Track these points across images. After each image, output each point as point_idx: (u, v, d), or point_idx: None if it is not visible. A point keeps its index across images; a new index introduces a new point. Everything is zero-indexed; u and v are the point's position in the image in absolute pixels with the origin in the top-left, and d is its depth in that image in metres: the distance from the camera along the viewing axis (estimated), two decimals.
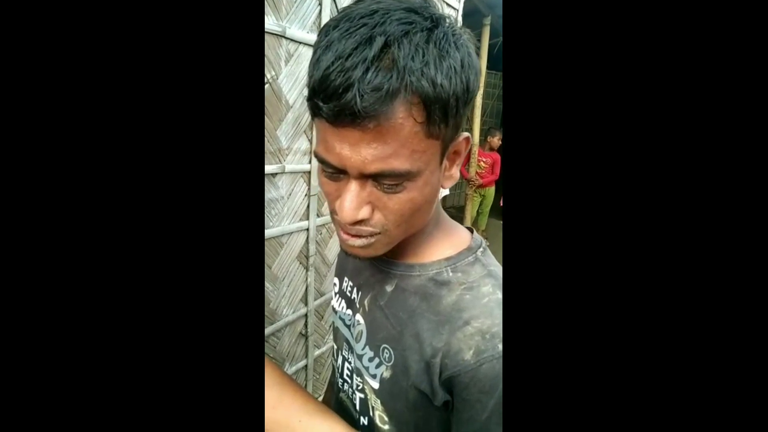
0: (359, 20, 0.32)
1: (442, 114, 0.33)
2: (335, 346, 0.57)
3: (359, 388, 0.49)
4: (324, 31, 0.33)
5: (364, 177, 0.35)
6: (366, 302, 0.48)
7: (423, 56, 0.31)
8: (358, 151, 0.33)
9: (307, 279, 1.40)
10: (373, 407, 0.46)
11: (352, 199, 0.36)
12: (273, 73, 1.06)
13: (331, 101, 0.31)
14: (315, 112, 0.34)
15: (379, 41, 0.30)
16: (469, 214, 3.88)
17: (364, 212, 0.37)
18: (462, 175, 3.50)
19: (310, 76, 0.33)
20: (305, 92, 0.34)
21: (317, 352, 1.58)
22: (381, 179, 0.35)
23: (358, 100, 0.30)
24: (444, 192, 0.44)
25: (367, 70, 0.30)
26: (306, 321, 1.46)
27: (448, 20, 0.35)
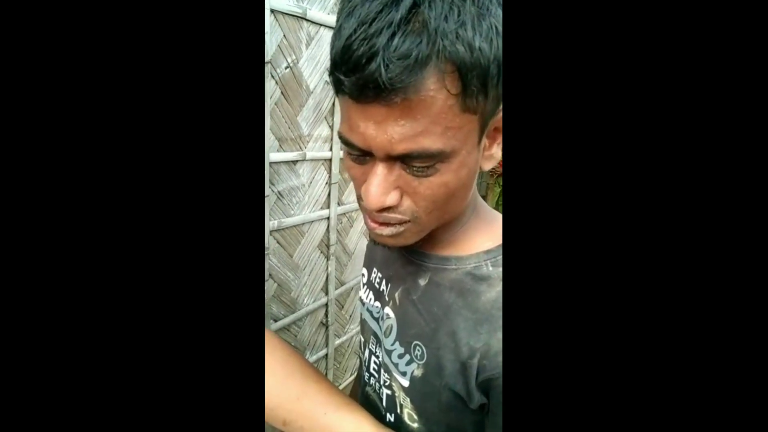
0: None
1: (480, 84, 0.29)
2: (362, 339, 0.54)
3: (386, 384, 0.46)
4: None
5: (391, 159, 0.31)
6: (396, 295, 0.46)
7: (458, 15, 0.27)
8: (385, 130, 0.29)
9: (327, 268, 1.39)
10: (401, 405, 0.44)
11: (379, 184, 0.32)
12: (294, 57, 1.03)
13: (354, 74, 0.28)
14: (337, 87, 0.30)
15: (407, 1, 0.26)
16: (491, 204, 3.81)
17: (392, 198, 0.33)
18: None
19: (332, 47, 0.29)
20: (326, 77, 0.31)
21: (338, 342, 1.58)
22: (410, 161, 0.31)
23: (383, 70, 0.26)
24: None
25: (393, 35, 0.26)
26: (327, 310, 1.45)
27: None
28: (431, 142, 0.30)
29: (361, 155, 0.33)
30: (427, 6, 0.27)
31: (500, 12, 0.29)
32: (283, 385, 0.39)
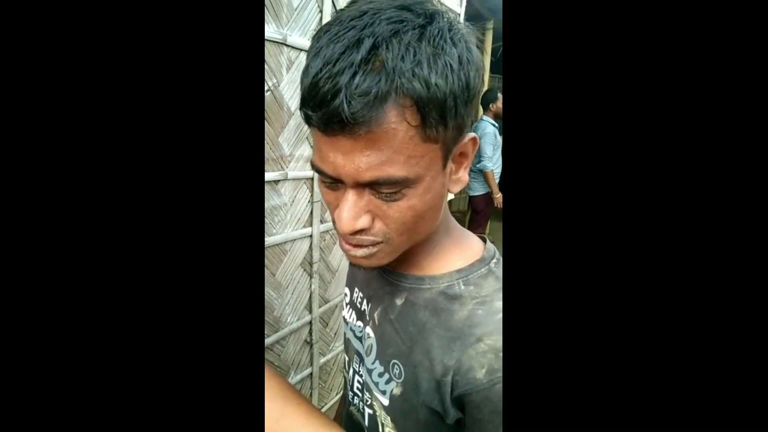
0: (348, 23, 0.30)
1: (439, 115, 0.31)
2: (346, 358, 0.56)
3: (368, 403, 0.48)
4: (315, 38, 0.32)
5: (360, 185, 0.34)
6: (376, 315, 0.47)
7: (414, 55, 0.30)
8: (352, 160, 0.32)
9: (311, 286, 1.39)
10: (382, 424, 0.45)
11: (350, 209, 0.34)
12: (274, 80, 1.05)
13: (320, 109, 0.30)
14: (307, 120, 0.33)
15: (367, 43, 0.29)
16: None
17: (363, 222, 0.35)
18: None
19: (302, 84, 0.32)
20: (299, 101, 0.34)
21: (322, 360, 1.56)
22: (378, 187, 0.33)
23: (345, 106, 0.29)
24: (449, 196, 0.43)
25: (355, 74, 0.29)
26: (311, 328, 1.44)
27: (445, 15, 0.33)
28: (395, 170, 0.32)
29: (333, 182, 0.36)
30: (385, 48, 0.29)
31: (455, 51, 0.32)
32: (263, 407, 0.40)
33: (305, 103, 0.31)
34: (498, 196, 2.92)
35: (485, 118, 2.89)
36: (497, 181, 2.93)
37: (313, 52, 0.31)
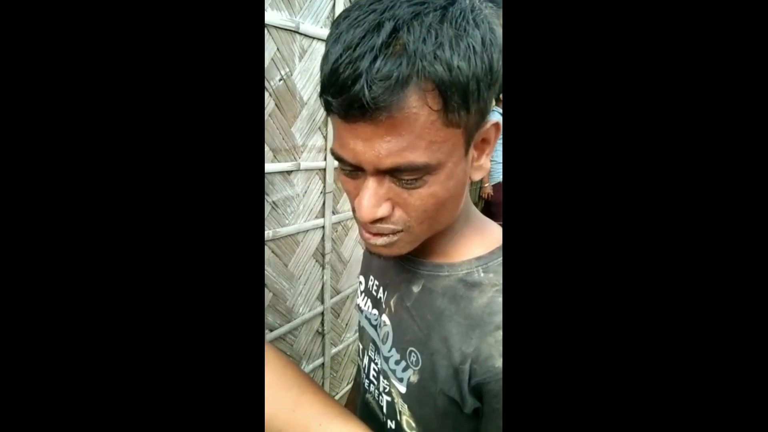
0: (368, 7, 0.30)
1: (461, 99, 0.31)
2: (360, 346, 0.55)
3: (386, 390, 0.47)
4: (335, 24, 0.32)
5: (380, 173, 0.33)
6: (392, 303, 0.47)
7: (436, 38, 0.29)
8: (372, 146, 0.31)
9: (323, 277, 1.39)
10: (400, 411, 0.45)
11: (370, 197, 0.34)
12: (287, 69, 1.05)
13: (341, 95, 0.30)
14: (327, 107, 0.32)
15: (387, 27, 0.28)
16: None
17: (383, 210, 0.35)
18: None
19: (321, 71, 0.31)
20: (319, 88, 0.33)
21: (334, 350, 1.57)
22: (399, 174, 0.33)
23: (366, 91, 0.28)
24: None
25: (376, 58, 0.28)
26: (323, 319, 1.45)
27: None
28: (417, 156, 0.31)
29: (353, 170, 0.35)
30: (406, 31, 0.29)
31: (478, 33, 0.31)
32: (279, 396, 0.40)
33: (325, 90, 0.31)
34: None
35: (496, 108, 2.85)
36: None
37: (333, 38, 0.30)
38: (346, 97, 0.29)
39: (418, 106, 0.30)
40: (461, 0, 0.31)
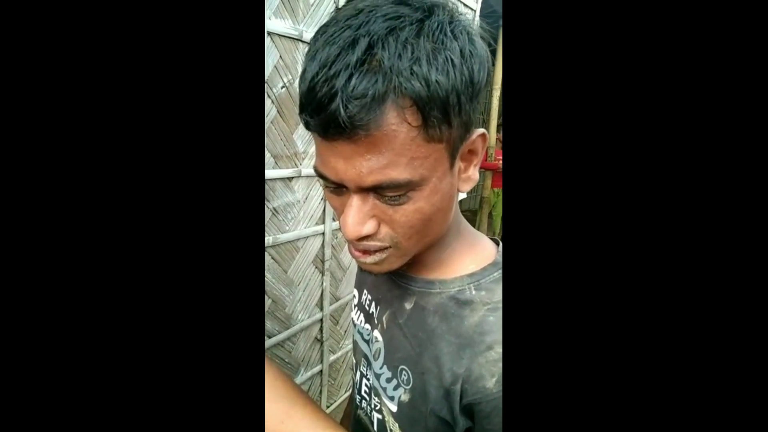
0: (344, 23, 0.29)
1: (441, 114, 0.30)
2: (354, 360, 0.55)
3: (377, 408, 0.47)
4: (313, 40, 0.31)
5: (364, 190, 0.32)
6: (384, 318, 0.46)
7: (412, 53, 0.28)
8: (353, 164, 0.31)
9: (322, 283, 1.39)
10: (391, 430, 0.44)
11: (354, 215, 0.33)
12: (290, 76, 1.05)
13: (318, 114, 0.29)
14: (307, 126, 0.31)
15: (362, 43, 0.28)
16: (484, 218, 3.82)
17: (368, 227, 0.34)
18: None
19: (299, 89, 0.31)
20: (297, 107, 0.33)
21: (332, 357, 1.57)
22: (382, 191, 0.32)
23: (342, 110, 0.28)
24: (461, 195, 0.41)
25: (351, 76, 0.28)
26: (321, 326, 1.45)
27: (445, 7, 0.31)
28: (398, 173, 0.31)
29: (336, 187, 0.34)
30: (381, 47, 0.28)
31: (456, 45, 0.30)
32: (268, 407, 0.39)
33: (303, 109, 0.30)
34: None
35: None
36: None
37: (310, 55, 0.30)
38: (323, 116, 0.29)
39: (397, 123, 0.29)
40: (438, 12, 0.31)
